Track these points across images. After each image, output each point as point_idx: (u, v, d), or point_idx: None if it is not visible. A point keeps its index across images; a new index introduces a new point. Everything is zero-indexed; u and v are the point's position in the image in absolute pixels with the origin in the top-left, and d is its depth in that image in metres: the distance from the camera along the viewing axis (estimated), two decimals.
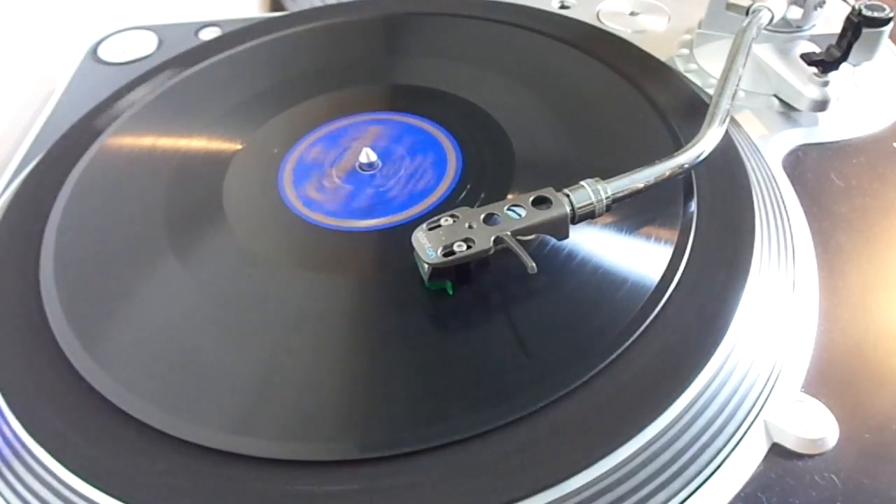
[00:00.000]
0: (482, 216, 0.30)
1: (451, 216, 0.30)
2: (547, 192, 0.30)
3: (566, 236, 0.30)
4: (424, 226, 0.30)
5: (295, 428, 0.27)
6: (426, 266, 0.29)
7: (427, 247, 0.29)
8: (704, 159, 0.33)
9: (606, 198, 0.30)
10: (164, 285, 0.33)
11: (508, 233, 0.29)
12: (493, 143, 0.38)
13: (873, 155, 0.39)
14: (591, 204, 0.30)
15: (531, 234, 0.30)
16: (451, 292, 0.30)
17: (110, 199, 0.37)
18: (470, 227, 0.29)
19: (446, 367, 0.28)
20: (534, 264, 0.28)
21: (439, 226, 0.30)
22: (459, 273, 0.30)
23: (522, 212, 0.30)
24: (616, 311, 0.29)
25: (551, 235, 0.31)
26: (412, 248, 0.29)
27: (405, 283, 0.31)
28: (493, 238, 0.29)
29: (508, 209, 0.30)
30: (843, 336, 0.31)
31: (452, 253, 0.29)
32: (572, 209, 0.30)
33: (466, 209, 0.30)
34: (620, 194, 0.31)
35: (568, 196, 0.30)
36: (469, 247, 0.29)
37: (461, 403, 0.27)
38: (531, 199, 0.30)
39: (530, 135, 0.38)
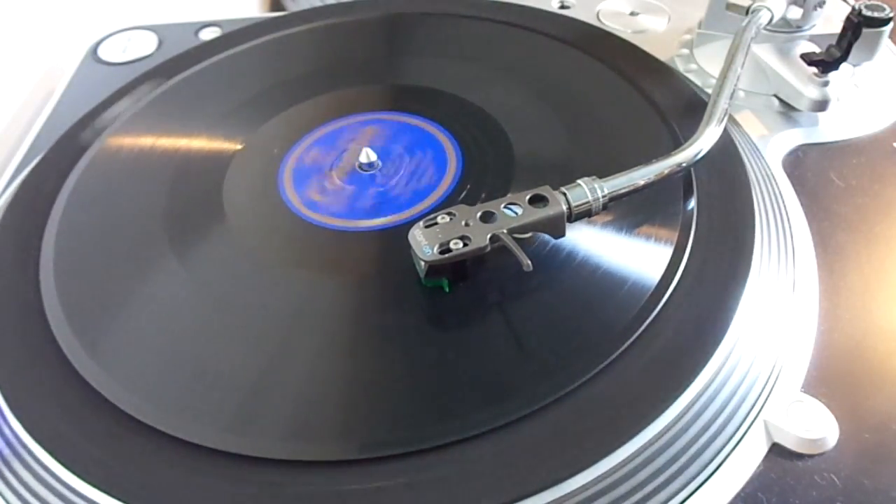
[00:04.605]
0: (479, 214, 0.30)
1: (448, 214, 0.30)
2: (543, 190, 0.30)
3: (563, 234, 0.30)
4: (421, 223, 0.30)
5: (295, 428, 0.27)
6: (422, 263, 0.29)
7: (423, 244, 0.29)
8: (702, 158, 0.33)
9: (603, 196, 0.30)
10: (164, 285, 0.33)
11: (505, 230, 0.29)
12: (493, 142, 0.38)
13: (873, 155, 0.39)
14: (588, 202, 0.30)
15: (528, 232, 0.30)
16: (447, 290, 0.30)
17: (110, 199, 0.37)
18: (466, 224, 0.29)
19: (445, 366, 0.28)
20: (529, 262, 0.28)
21: (436, 223, 0.30)
22: (456, 270, 0.30)
23: (519, 210, 0.30)
24: (616, 310, 0.29)
25: (548, 234, 0.31)
26: (409, 246, 0.29)
27: (403, 282, 0.31)
28: (489, 236, 0.29)
29: (505, 207, 0.30)
30: (843, 336, 0.31)
31: (449, 250, 0.29)
32: (569, 207, 0.30)
33: (463, 207, 0.30)
34: (617, 193, 0.31)
35: (564, 194, 0.30)
36: (465, 244, 0.29)
37: (460, 403, 0.27)
38: (528, 197, 0.30)
39: (530, 134, 0.38)
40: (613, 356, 0.28)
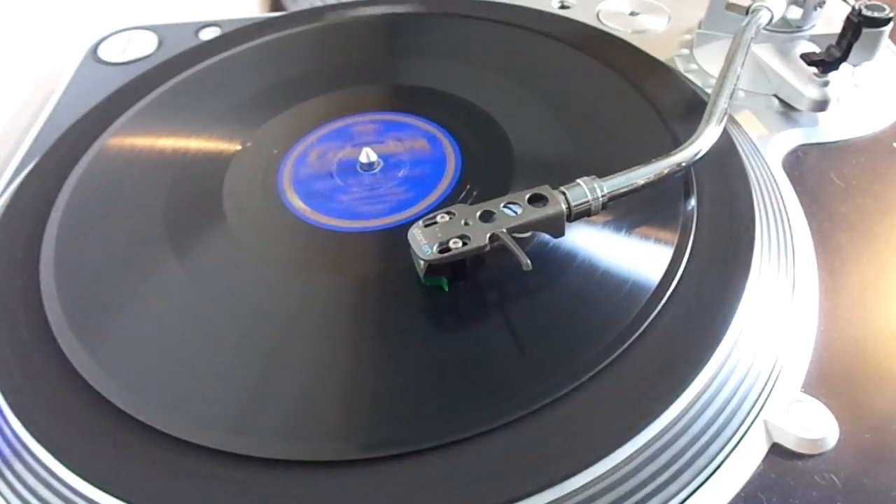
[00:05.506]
0: (478, 213, 0.30)
1: (448, 213, 0.30)
2: (543, 189, 0.30)
3: (562, 234, 0.30)
4: (420, 222, 0.30)
5: (295, 428, 0.27)
6: (422, 262, 0.29)
7: (423, 243, 0.29)
8: (702, 158, 0.33)
9: (602, 196, 0.30)
10: (164, 285, 0.33)
11: (504, 230, 0.29)
12: (493, 142, 0.38)
13: (873, 155, 0.39)
14: (588, 202, 0.30)
15: (527, 232, 0.30)
16: (446, 289, 0.30)
17: (110, 199, 0.37)
18: (466, 223, 0.29)
19: (444, 365, 0.28)
20: (528, 261, 0.28)
21: (435, 223, 0.30)
22: (455, 270, 0.30)
23: (518, 209, 0.30)
24: (616, 310, 0.29)
25: (547, 233, 0.31)
26: (409, 246, 0.29)
27: (403, 282, 0.31)
28: (488, 235, 0.29)
29: (504, 206, 0.30)
30: (843, 336, 0.31)
31: (448, 250, 0.29)
32: (568, 207, 0.30)
33: (462, 206, 0.30)
34: (617, 192, 0.31)
35: (564, 194, 0.30)
36: (464, 244, 0.29)
37: (460, 403, 0.27)
38: (527, 196, 0.30)
39: (530, 135, 0.38)
40: (613, 356, 0.28)
